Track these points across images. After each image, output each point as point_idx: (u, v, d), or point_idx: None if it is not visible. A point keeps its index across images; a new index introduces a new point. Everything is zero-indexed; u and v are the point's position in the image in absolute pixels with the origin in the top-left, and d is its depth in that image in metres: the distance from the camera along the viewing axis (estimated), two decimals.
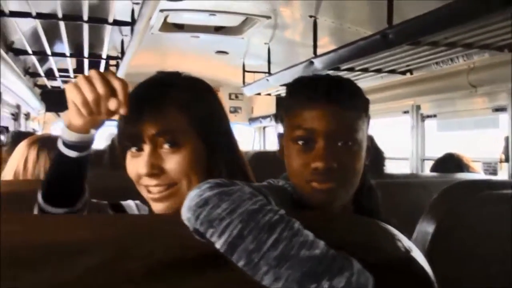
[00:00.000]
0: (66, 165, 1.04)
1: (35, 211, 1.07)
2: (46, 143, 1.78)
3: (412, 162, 3.68)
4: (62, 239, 0.69)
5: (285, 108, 1.13)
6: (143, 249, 0.69)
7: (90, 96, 0.93)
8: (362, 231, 0.76)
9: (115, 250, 0.68)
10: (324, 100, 1.05)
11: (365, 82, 3.32)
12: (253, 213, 0.70)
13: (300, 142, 1.06)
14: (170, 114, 1.00)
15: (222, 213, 0.70)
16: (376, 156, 1.18)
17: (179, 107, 1.01)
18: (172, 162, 0.98)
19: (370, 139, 1.14)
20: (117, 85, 0.94)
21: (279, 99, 5.15)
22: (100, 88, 0.93)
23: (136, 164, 1.01)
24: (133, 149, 1.02)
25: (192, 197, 0.74)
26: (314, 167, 1.03)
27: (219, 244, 0.68)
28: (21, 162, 1.74)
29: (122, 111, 0.94)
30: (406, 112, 3.79)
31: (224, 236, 0.68)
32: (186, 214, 0.73)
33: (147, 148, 0.99)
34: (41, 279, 0.66)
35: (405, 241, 0.73)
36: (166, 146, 0.99)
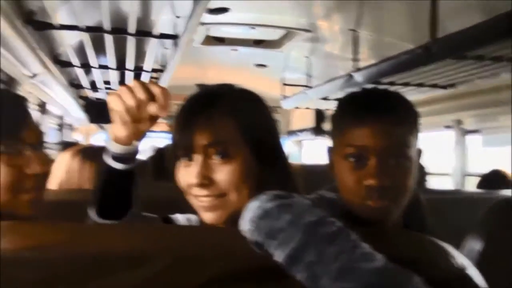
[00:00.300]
0: (113, 177, 1.07)
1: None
2: (89, 153, 1.81)
3: (454, 178, 3.61)
4: (118, 249, 0.71)
5: (336, 124, 1.13)
6: (200, 260, 0.69)
7: (130, 102, 0.96)
8: (415, 247, 0.76)
9: (171, 260, 0.68)
10: (375, 117, 1.05)
11: (406, 96, 3.27)
12: (314, 225, 0.70)
13: (352, 159, 1.05)
14: (222, 125, 1.01)
15: (283, 225, 0.70)
16: (420, 171, 1.16)
17: (232, 118, 1.01)
18: (222, 173, 0.99)
19: (419, 153, 1.12)
20: (156, 91, 0.97)
21: (321, 114, 5.14)
22: (140, 94, 0.96)
23: (186, 174, 1.01)
24: (185, 159, 1.03)
25: (252, 209, 0.74)
26: (367, 185, 1.03)
27: (279, 256, 0.68)
28: (65, 172, 1.78)
29: (162, 114, 0.97)
30: (448, 127, 3.73)
31: (284, 248, 0.68)
32: (246, 226, 0.73)
33: (198, 158, 1.00)
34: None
35: (459, 258, 0.72)
36: (216, 157, 0.99)
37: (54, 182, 1.77)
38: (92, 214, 1.08)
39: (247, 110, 1.05)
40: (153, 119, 1.00)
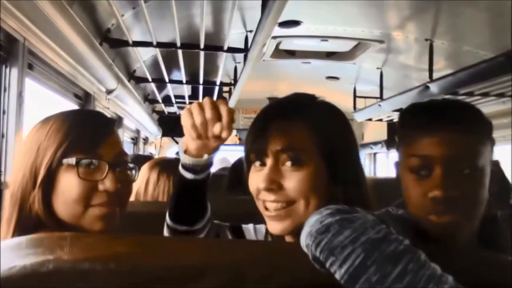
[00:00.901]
0: (185, 185, 1.14)
1: (164, 228, 1.19)
2: (166, 166, 1.86)
3: None
4: (180, 262, 0.70)
5: (399, 137, 1.09)
6: (259, 275, 0.68)
7: (198, 120, 1.00)
8: (489, 268, 0.70)
9: (231, 275, 0.67)
10: (439, 125, 0.99)
11: (485, 107, 3.13)
12: (377, 242, 0.66)
13: (416, 171, 1.01)
14: (298, 132, 1.00)
15: (344, 241, 0.67)
16: (502, 185, 1.08)
17: (308, 127, 1.00)
18: (292, 179, 0.98)
19: (496, 165, 1.05)
20: (223, 111, 0.99)
21: (394, 126, 5.02)
22: (208, 113, 0.99)
23: (257, 178, 1.01)
24: (257, 163, 1.03)
25: (312, 223, 0.71)
26: (432, 196, 0.97)
27: (339, 274, 0.65)
28: (142, 184, 1.83)
29: (224, 135, 0.99)
30: None
31: (345, 265, 0.65)
32: (305, 241, 0.70)
33: (269, 162, 1.00)
34: None
35: None
36: (288, 163, 0.98)
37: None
38: (168, 219, 1.17)
39: (324, 120, 1.04)
40: (220, 137, 1.02)
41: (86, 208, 1.02)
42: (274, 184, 0.98)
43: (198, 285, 0.67)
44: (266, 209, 1.01)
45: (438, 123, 1.00)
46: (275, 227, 0.99)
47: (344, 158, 1.03)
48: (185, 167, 1.14)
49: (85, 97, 2.74)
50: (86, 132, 1.05)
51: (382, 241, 0.67)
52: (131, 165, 1.12)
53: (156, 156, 4.33)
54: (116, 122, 1.16)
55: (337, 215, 0.71)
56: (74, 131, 1.04)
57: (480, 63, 2.50)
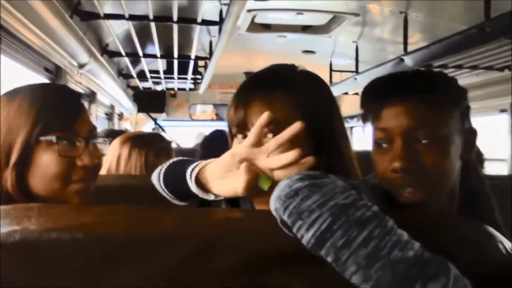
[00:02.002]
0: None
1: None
2: (138, 141, 1.84)
3: (510, 164, 3.48)
4: (148, 231, 0.70)
5: (365, 113, 1.09)
6: (229, 244, 0.68)
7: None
8: (462, 231, 0.71)
9: (200, 243, 0.67)
10: (396, 96, 0.99)
11: (459, 79, 3.15)
12: (345, 207, 0.67)
13: (380, 145, 1.01)
14: (278, 103, 0.99)
15: (312, 205, 0.67)
16: (475, 157, 1.09)
17: (289, 97, 1.00)
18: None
19: (472, 133, 1.05)
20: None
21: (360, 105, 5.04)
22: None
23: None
24: (239, 136, 1.02)
25: (282, 187, 0.72)
26: (392, 168, 0.97)
27: (306, 238, 0.66)
28: (114, 160, 1.81)
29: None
30: (503, 110, 3.58)
31: (312, 229, 0.65)
32: (274, 204, 0.71)
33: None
34: (129, 269, 0.66)
35: (506, 243, 0.67)
36: (270, 135, 0.97)
37: (103, 168, 1.80)
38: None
39: (305, 90, 1.04)
40: None
41: (66, 184, 1.03)
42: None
43: (167, 253, 0.67)
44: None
45: (395, 95, 1.00)
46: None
47: (327, 127, 1.04)
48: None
49: (56, 72, 2.69)
50: (61, 109, 1.05)
51: (349, 206, 0.67)
52: (101, 140, 1.13)
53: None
54: (83, 95, 1.15)
55: (306, 180, 0.71)
56: (48, 108, 1.03)
57: (453, 35, 2.51)
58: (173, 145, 1.98)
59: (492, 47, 2.48)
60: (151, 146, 1.85)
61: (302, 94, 1.02)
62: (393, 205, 0.99)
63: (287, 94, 1.00)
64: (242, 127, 1.01)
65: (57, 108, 1.04)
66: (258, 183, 0.86)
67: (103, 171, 1.79)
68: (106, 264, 0.67)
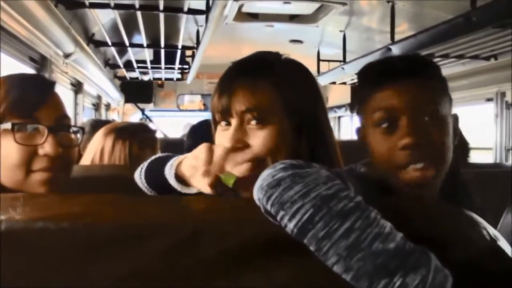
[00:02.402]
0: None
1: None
2: (122, 132, 1.82)
3: (495, 152, 3.51)
4: (136, 220, 0.70)
5: (360, 96, 1.10)
6: (215, 233, 0.68)
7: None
8: (446, 219, 0.72)
9: (188, 232, 0.67)
10: (400, 75, 1.02)
11: (445, 69, 3.15)
12: (327, 198, 0.67)
13: (384, 125, 1.02)
14: (262, 91, 0.99)
15: (294, 196, 0.67)
16: (461, 145, 1.11)
17: (273, 85, 1.00)
18: (258, 137, 0.98)
19: (456, 119, 1.08)
20: None
21: (354, 89, 5.05)
22: None
23: (222, 138, 1.01)
24: (223, 123, 1.02)
25: (264, 177, 0.72)
26: (402, 145, 0.98)
27: (289, 228, 0.66)
28: (98, 151, 1.79)
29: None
30: (489, 99, 3.61)
31: (294, 219, 0.66)
32: (257, 194, 0.71)
33: (234, 122, 0.99)
34: (115, 259, 0.66)
35: (490, 230, 0.68)
36: (253, 122, 0.98)
37: (87, 159, 1.79)
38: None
39: (289, 77, 1.04)
40: None
41: (28, 173, 1.01)
42: (240, 143, 0.98)
43: (153, 243, 0.67)
44: (235, 169, 1.00)
45: (396, 74, 1.02)
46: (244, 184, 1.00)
47: (310, 116, 1.04)
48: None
49: (41, 61, 2.66)
50: (22, 96, 1.02)
51: (332, 197, 0.67)
52: (74, 129, 1.10)
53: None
54: (55, 83, 1.13)
55: (289, 170, 0.71)
56: (10, 95, 1.01)
57: (440, 24, 2.52)
58: (160, 136, 1.97)
59: (478, 36, 2.49)
60: (135, 137, 1.83)
61: (286, 81, 1.02)
62: (382, 193, 0.99)
63: (270, 81, 1.00)
64: (226, 114, 1.01)
65: (19, 94, 1.02)
66: (223, 181, 0.89)
67: (87, 163, 1.78)
68: (93, 254, 0.66)
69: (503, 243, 0.67)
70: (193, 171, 0.93)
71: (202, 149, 0.93)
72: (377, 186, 0.99)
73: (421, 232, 0.66)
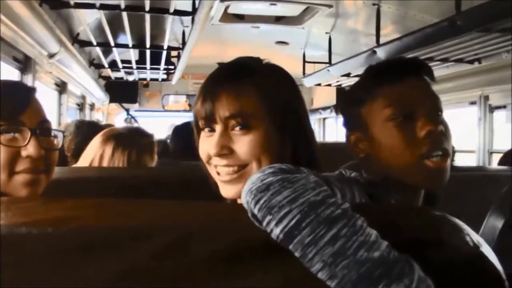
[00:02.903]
0: None
1: None
2: (121, 140, 1.81)
3: (479, 155, 3.54)
4: (123, 224, 0.69)
5: (363, 96, 1.12)
6: (204, 236, 0.67)
7: None
8: (430, 225, 0.72)
9: (177, 235, 0.67)
10: (410, 73, 1.08)
11: None
12: (315, 205, 0.67)
13: (400, 118, 1.05)
14: (246, 97, 1.00)
15: (282, 201, 0.67)
16: None
17: (256, 90, 1.00)
18: (242, 143, 0.98)
19: None
20: None
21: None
22: None
23: (207, 145, 1.01)
24: (206, 130, 1.02)
25: (253, 180, 0.71)
26: (426, 133, 1.03)
27: (275, 233, 0.66)
28: (96, 157, 1.78)
29: None
30: (473, 103, 3.64)
31: (281, 225, 0.65)
32: (245, 198, 0.70)
33: (218, 128, 1.00)
34: (101, 263, 0.66)
35: (474, 236, 0.68)
36: (237, 128, 0.98)
37: (84, 163, 1.79)
38: None
39: (271, 83, 1.04)
40: None
41: (11, 175, 1.04)
42: (225, 149, 0.98)
43: (143, 246, 0.66)
44: (218, 174, 1.01)
45: (406, 72, 1.09)
46: (228, 191, 1.00)
47: (293, 120, 1.04)
48: None
49: (25, 61, 2.64)
50: (8, 100, 1.06)
51: (319, 204, 0.67)
52: (55, 133, 1.13)
53: (103, 123, 4.23)
54: (36, 90, 1.16)
55: (279, 174, 0.71)
56: None
57: (425, 28, 2.54)
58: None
59: (462, 40, 2.52)
60: (134, 144, 1.83)
61: (269, 85, 1.02)
62: (371, 198, 0.99)
63: (253, 85, 1.01)
64: (210, 120, 1.01)
65: (4, 99, 1.05)
66: None
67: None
68: (78, 259, 0.66)
69: (486, 249, 0.67)
70: None
71: None
72: (366, 191, 1.00)
73: (406, 238, 0.67)
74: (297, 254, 0.64)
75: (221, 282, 0.65)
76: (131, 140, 1.83)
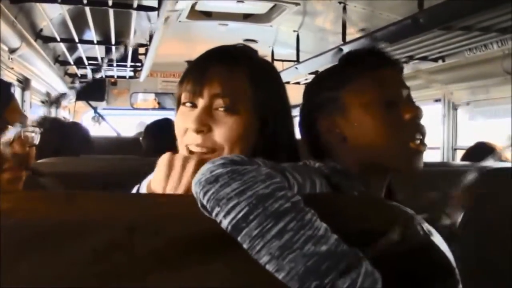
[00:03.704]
0: None
1: None
2: None
3: (443, 152, 3.60)
4: (65, 217, 0.68)
5: (347, 75, 1.12)
6: (150, 229, 0.67)
7: None
8: (382, 214, 0.72)
9: (121, 229, 0.66)
10: (391, 63, 1.13)
11: None
12: (263, 198, 0.66)
13: (387, 103, 1.07)
14: (237, 80, 1.01)
15: (230, 193, 0.67)
16: None
17: (248, 77, 1.01)
18: (222, 124, 0.98)
19: None
20: None
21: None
22: None
23: (186, 119, 1.01)
24: (187, 104, 1.02)
25: (203, 171, 0.71)
26: (411, 116, 1.06)
27: (223, 225, 0.66)
28: None
29: None
30: (437, 100, 3.70)
31: (229, 217, 0.65)
32: (195, 188, 0.70)
33: (202, 104, 0.99)
34: (46, 256, 0.65)
35: (425, 225, 0.69)
36: (222, 108, 0.98)
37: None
38: None
39: (263, 76, 1.06)
40: None
41: None
42: (205, 127, 0.98)
43: (87, 240, 0.65)
44: (190, 153, 1.00)
45: (385, 60, 1.13)
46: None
47: (275, 113, 1.05)
48: None
49: None
50: None
51: (268, 196, 0.67)
52: (32, 129, 1.12)
53: (69, 121, 4.16)
54: (11, 84, 1.14)
55: (228, 166, 0.71)
56: None
57: (389, 25, 2.57)
58: (114, 134, 1.94)
59: (426, 38, 2.55)
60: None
61: (260, 76, 1.04)
62: (332, 188, 0.99)
63: (246, 73, 1.02)
64: (195, 94, 1.00)
65: None
66: None
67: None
68: (23, 251, 0.64)
69: (437, 238, 0.68)
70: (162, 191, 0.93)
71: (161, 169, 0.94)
72: (328, 182, 0.99)
73: (357, 227, 0.67)
74: (245, 246, 0.64)
75: (167, 276, 0.64)
76: None
